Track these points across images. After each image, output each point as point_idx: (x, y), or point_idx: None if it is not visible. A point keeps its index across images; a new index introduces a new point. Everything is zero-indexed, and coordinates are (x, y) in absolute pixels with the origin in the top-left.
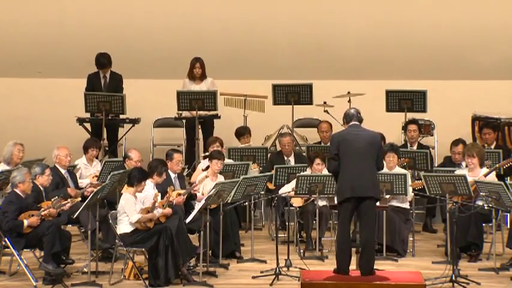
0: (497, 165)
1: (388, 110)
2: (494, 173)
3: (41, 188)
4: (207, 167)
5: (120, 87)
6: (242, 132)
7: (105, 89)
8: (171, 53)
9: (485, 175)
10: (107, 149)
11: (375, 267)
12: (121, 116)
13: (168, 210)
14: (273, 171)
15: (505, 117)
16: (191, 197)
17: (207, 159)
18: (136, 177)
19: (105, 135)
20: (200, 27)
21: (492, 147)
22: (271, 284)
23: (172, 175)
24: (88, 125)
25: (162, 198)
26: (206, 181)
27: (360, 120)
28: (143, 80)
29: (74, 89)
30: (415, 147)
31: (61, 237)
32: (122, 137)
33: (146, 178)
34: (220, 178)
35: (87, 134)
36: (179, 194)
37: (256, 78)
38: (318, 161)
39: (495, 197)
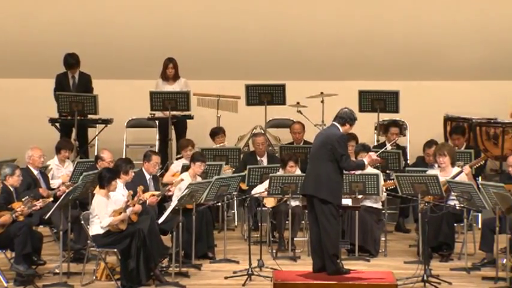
0: (468, 165)
1: (360, 110)
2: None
3: (11, 189)
4: (188, 168)
5: (89, 88)
6: (216, 132)
7: (74, 89)
8: (144, 53)
9: (456, 176)
10: (78, 149)
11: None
12: (93, 117)
13: (138, 207)
14: (246, 172)
15: (477, 117)
16: (164, 199)
17: (181, 160)
18: (106, 177)
19: (75, 135)
20: (173, 27)
21: (462, 149)
22: (243, 285)
23: (148, 176)
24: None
25: (133, 198)
26: (185, 182)
27: (343, 123)
28: (116, 80)
29: (46, 89)
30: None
31: (32, 238)
32: (94, 137)
33: (116, 177)
34: (199, 179)
35: (59, 135)
36: (153, 195)
37: (229, 79)
38: (291, 163)
39: (466, 197)
